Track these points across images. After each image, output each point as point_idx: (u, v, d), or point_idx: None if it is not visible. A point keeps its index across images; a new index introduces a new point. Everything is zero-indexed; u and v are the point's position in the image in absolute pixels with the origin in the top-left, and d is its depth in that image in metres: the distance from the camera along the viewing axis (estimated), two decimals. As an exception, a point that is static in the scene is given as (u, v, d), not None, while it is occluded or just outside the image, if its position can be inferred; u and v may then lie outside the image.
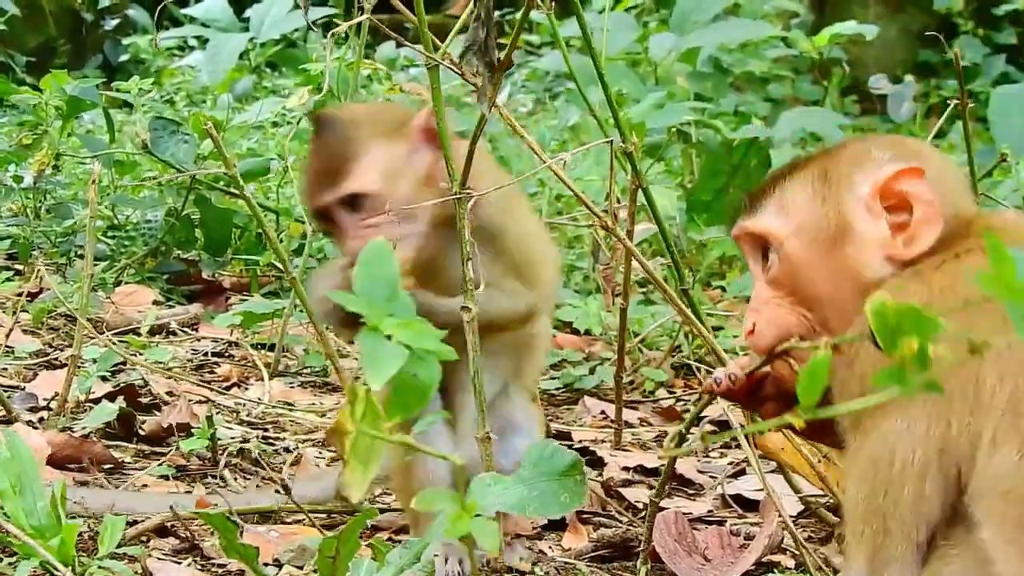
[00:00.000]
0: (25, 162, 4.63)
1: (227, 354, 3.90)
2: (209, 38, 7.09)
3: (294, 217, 4.69)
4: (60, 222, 4.71)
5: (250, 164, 4.63)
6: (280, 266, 4.62)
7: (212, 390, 3.47)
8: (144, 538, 2.44)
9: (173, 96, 8.25)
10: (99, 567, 2.14)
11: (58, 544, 2.12)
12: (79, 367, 3.35)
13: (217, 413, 3.15)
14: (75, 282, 4.27)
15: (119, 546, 2.24)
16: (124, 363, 3.41)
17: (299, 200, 3.87)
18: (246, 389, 3.55)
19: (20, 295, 4.02)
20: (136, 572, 2.24)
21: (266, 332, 3.89)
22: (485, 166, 2.54)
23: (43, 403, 3.17)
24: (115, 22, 9.88)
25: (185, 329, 4.04)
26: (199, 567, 2.38)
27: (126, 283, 4.31)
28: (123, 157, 4.90)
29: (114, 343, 3.41)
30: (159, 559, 2.37)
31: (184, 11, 9.53)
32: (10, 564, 2.14)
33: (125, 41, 9.76)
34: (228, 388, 3.53)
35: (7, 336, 3.43)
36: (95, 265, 4.17)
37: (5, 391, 3.15)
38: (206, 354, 3.86)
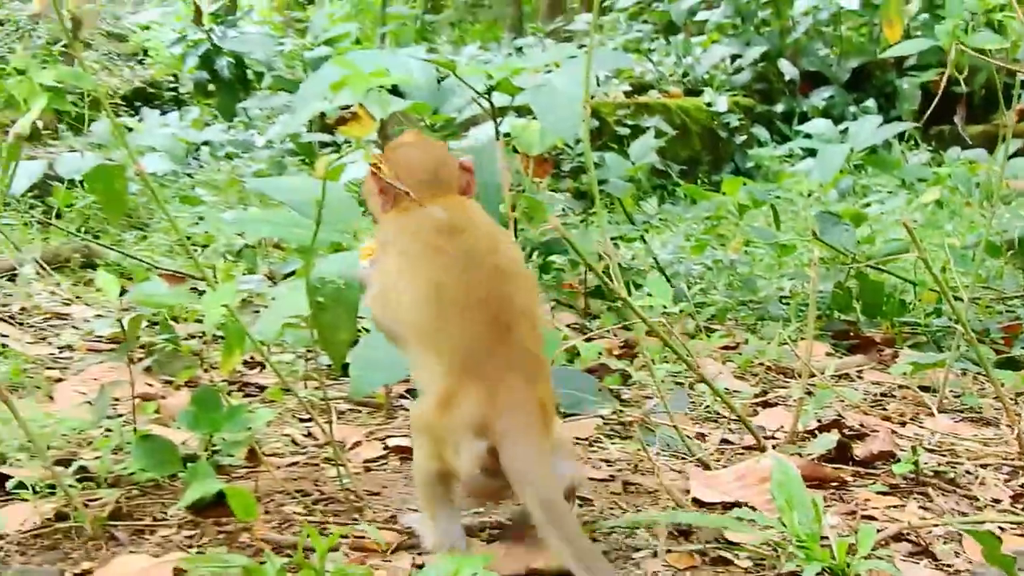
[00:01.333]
0: (720, 248, 4.76)
1: (892, 395, 3.81)
2: (816, 148, 7.13)
3: (927, 287, 4.64)
4: (749, 293, 4.81)
5: (893, 246, 4.66)
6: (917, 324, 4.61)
7: (893, 422, 3.40)
8: (883, 543, 2.40)
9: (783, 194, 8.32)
10: (865, 568, 2.12)
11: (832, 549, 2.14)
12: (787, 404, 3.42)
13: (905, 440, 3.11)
14: (763, 338, 4.33)
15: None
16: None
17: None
18: (920, 424, 3.44)
19: (724, 348, 4.16)
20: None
21: (927, 378, 3.81)
22: None
23: (768, 433, 3.20)
24: (743, 137, 10.06)
25: (860, 374, 3.99)
26: (933, 567, 2.31)
27: (802, 339, 4.31)
28: (787, 243, 4.99)
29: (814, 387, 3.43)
30: (901, 560, 2.32)
31: (797, 127, 9.61)
32: (797, 566, 2.14)
33: (750, 151, 9.94)
34: (903, 424, 3.44)
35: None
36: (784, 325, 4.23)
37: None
38: (876, 395, 3.79)
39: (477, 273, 2.17)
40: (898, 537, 2.43)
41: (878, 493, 2.74)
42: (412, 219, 2.28)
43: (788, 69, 11.23)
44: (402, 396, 3.32)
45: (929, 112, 4.01)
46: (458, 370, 2.11)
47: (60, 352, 3.78)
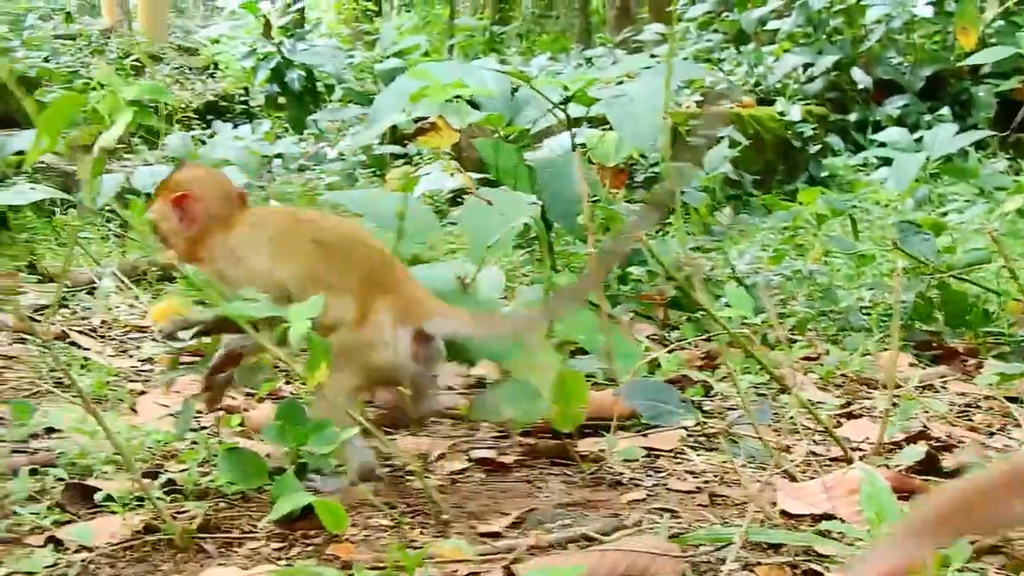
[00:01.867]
0: (799, 258, 4.71)
1: (977, 406, 3.75)
2: (891, 157, 7.07)
3: (1011, 297, 4.56)
4: (830, 303, 4.76)
5: (974, 256, 4.60)
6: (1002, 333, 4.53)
7: (980, 434, 3.35)
8: (976, 555, 2.36)
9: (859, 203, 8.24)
10: (959, 579, 2.09)
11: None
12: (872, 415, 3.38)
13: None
14: (845, 349, 4.28)
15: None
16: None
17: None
18: (1008, 435, 3.38)
19: (805, 359, 4.13)
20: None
21: (1014, 389, 3.75)
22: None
23: (854, 445, 3.16)
24: (816, 147, 9.98)
25: (944, 385, 3.93)
26: (1032, 578, 2.27)
27: (884, 350, 4.27)
28: (866, 252, 4.94)
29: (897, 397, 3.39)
30: (994, 573, 2.28)
31: (872, 136, 9.54)
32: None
33: (824, 161, 9.87)
34: (991, 434, 3.39)
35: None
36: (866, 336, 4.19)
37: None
38: (961, 406, 3.73)
39: (346, 234, 2.70)
40: (992, 550, 2.39)
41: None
42: (253, 221, 2.72)
43: (861, 78, 11.14)
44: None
45: (1017, 122, 3.96)
46: (363, 294, 2.59)
47: (141, 365, 3.83)
